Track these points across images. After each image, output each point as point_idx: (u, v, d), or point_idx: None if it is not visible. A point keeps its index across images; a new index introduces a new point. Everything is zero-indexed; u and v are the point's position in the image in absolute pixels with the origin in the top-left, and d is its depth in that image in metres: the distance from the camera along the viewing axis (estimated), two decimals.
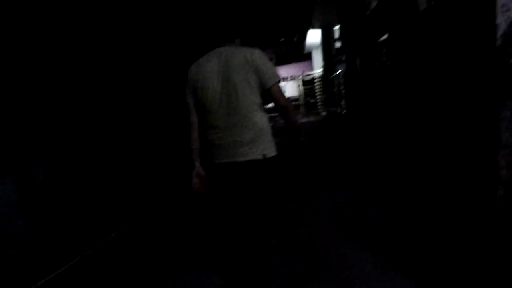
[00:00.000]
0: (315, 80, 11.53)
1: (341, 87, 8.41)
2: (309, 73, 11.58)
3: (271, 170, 1.30)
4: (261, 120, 1.27)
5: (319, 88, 11.23)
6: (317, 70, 11.05)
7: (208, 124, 1.29)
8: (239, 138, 1.23)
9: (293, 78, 34.84)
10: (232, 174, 1.28)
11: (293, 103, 28.83)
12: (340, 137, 5.61)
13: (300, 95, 11.61)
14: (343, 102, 7.12)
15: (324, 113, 10.19)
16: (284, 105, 1.28)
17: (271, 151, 1.29)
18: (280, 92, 1.28)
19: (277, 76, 1.31)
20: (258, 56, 1.24)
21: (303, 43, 13.11)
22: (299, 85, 11.41)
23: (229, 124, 1.24)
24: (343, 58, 6.00)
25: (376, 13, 3.76)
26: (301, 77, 11.11)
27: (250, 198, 1.30)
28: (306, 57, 34.88)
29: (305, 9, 8.04)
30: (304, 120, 10.00)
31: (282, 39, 38.53)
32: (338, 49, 9.36)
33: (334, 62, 9.01)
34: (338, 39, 8.91)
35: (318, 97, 11.36)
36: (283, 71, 35.23)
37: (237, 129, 1.23)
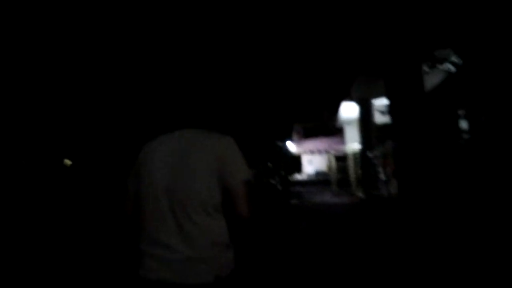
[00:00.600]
0: (349, 157, 10.38)
1: (383, 167, 7.12)
2: (341, 148, 10.52)
3: None
4: (219, 228, 0.97)
5: (354, 166, 9.97)
6: (350, 145, 9.99)
7: (145, 227, 0.98)
8: (186, 251, 0.90)
9: (320, 152, 34.19)
10: None
11: (320, 178, 27.16)
12: (388, 235, 4.13)
13: (331, 172, 10.33)
14: (391, 184, 5.77)
15: (360, 195, 8.70)
16: (242, 216, 0.98)
17: (227, 270, 0.95)
18: (243, 196, 0.98)
19: (245, 173, 1.01)
20: (225, 145, 1.01)
21: (335, 117, 12.53)
22: (330, 161, 10.23)
23: (175, 230, 0.92)
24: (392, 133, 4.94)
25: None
26: (332, 152, 10.02)
27: None
28: (336, 131, 34.57)
29: (344, 82, 7.45)
30: (335, 200, 8.53)
31: (310, 115, 39.28)
32: (380, 125, 8.44)
33: (374, 137, 7.96)
34: (383, 113, 8.04)
35: (352, 175, 10.02)
36: (311, 144, 34.83)
37: (186, 239, 0.91)
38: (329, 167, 31.95)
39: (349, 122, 11.26)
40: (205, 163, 0.96)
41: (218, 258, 0.94)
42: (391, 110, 5.17)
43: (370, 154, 7.64)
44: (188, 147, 1.00)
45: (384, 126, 9.32)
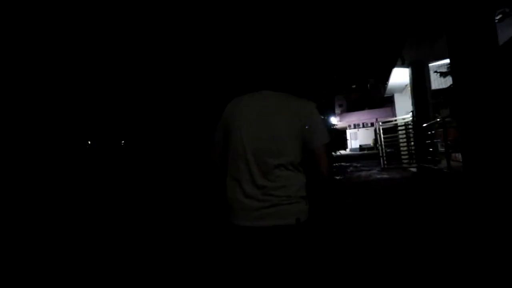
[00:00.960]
0: (399, 128, 9.47)
1: (441, 138, 6.32)
2: (390, 119, 9.63)
3: (306, 238, 1.07)
4: (298, 182, 1.09)
5: (405, 138, 9.09)
6: (402, 116, 9.07)
7: (233, 175, 1.11)
8: (270, 200, 1.04)
9: (366, 125, 32.33)
10: (254, 242, 1.04)
11: (367, 152, 25.81)
12: (446, 213, 3.61)
13: (378, 145, 9.59)
14: (450, 157, 5.07)
15: (413, 169, 7.95)
16: (324, 174, 1.10)
17: (305, 216, 1.08)
18: (325, 158, 1.10)
19: (327, 137, 1.13)
20: (310, 110, 1.12)
21: (382, 86, 11.41)
22: (377, 133, 9.46)
23: (260, 182, 1.05)
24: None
25: None
26: (380, 124, 9.22)
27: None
28: (382, 102, 32.35)
29: (394, 43, 6.57)
30: (384, 175, 7.89)
31: (354, 86, 37.06)
32: (436, 90, 7.44)
33: (430, 105, 7.06)
34: (444, 75, 7.03)
35: (403, 148, 9.18)
36: (355, 117, 33.14)
37: (270, 190, 1.05)
38: (376, 140, 30.35)
39: (400, 89, 10.22)
40: (290, 125, 1.05)
41: (296, 207, 1.05)
42: (455, 70, 4.42)
43: (425, 124, 6.81)
44: (274, 108, 1.08)
45: (441, 92, 8.25)
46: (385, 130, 9.65)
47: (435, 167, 6.03)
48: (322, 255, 2.42)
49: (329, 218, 3.57)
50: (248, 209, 1.04)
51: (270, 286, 1.03)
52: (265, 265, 1.03)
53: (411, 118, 8.28)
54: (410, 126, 8.51)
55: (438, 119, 6.67)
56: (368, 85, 33.69)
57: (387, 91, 10.73)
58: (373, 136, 30.59)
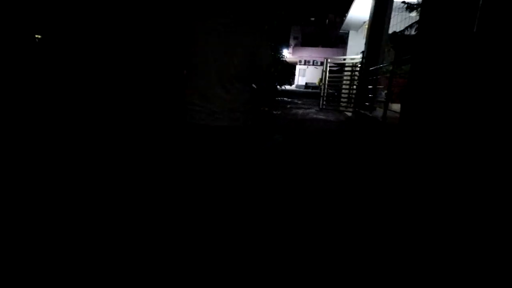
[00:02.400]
0: (346, 69, 8.94)
1: (386, 86, 5.94)
2: (339, 57, 8.94)
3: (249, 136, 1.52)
4: (249, 93, 1.44)
5: (349, 80, 8.66)
6: (352, 56, 8.43)
7: (198, 87, 1.38)
8: (228, 105, 1.37)
9: (316, 63, 31.82)
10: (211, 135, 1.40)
11: (311, 90, 25.76)
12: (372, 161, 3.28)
13: (321, 84, 9.04)
14: (389, 107, 4.69)
15: (349, 113, 7.72)
16: (265, 88, 1.57)
17: (252, 121, 1.50)
18: (267, 74, 1.47)
19: (270, 59, 1.52)
20: (261, 36, 1.40)
21: (340, 23, 10.47)
22: (323, 71, 8.81)
23: (221, 91, 1.35)
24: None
25: None
26: (329, 61, 8.48)
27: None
28: (335, 43, 31.62)
29: None
30: (320, 116, 7.55)
31: (313, 19, 34.97)
32: (393, 36, 6.77)
33: (384, 49, 6.44)
34: (410, 9, 6.27)
35: (345, 90, 8.81)
36: (307, 53, 32.17)
37: (228, 97, 1.36)
38: (322, 80, 30.41)
39: (357, 27, 9.37)
40: (245, 47, 1.32)
41: (247, 112, 1.43)
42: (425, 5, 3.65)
43: (372, 68, 6.29)
44: (232, 32, 1.32)
45: (399, 38, 7.68)
46: (332, 71, 9.05)
47: (370, 115, 5.75)
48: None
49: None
50: (208, 113, 1.35)
51: (218, 164, 1.44)
52: (215, 150, 1.42)
53: (360, 60, 7.71)
54: (357, 68, 8.00)
55: (384, 65, 6.18)
56: (327, 21, 32.14)
57: (343, 27, 9.81)
58: (319, 76, 30.59)
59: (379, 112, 5.99)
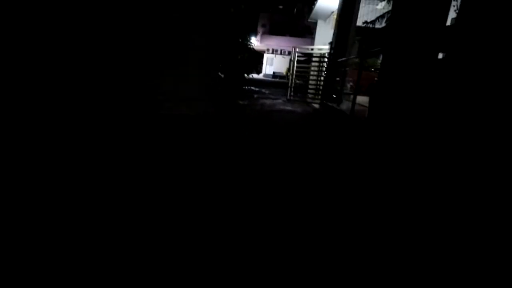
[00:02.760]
0: (313, 59, 8.81)
1: (352, 79, 5.86)
2: (307, 47, 8.77)
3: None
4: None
5: (316, 71, 8.55)
6: (319, 46, 8.31)
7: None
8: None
9: (283, 52, 31.69)
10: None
11: (278, 80, 25.66)
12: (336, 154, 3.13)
13: (289, 75, 8.83)
14: (354, 100, 4.59)
15: (316, 105, 7.62)
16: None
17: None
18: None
19: None
20: None
21: (311, 7, 10.25)
22: (291, 60, 8.60)
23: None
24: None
25: None
26: (296, 50, 8.27)
27: None
28: (302, 33, 31.66)
29: None
30: (287, 107, 7.36)
31: (281, 7, 34.59)
32: (362, 27, 6.70)
33: (352, 40, 6.34)
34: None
35: (312, 81, 8.70)
36: (275, 42, 31.88)
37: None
38: (289, 70, 30.31)
39: (325, 16, 9.23)
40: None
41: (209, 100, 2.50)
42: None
43: (340, 59, 6.18)
44: None
45: (367, 30, 7.65)
46: (300, 61, 8.87)
47: (337, 107, 5.66)
48: None
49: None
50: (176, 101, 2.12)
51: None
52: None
53: (328, 51, 7.58)
54: (324, 59, 7.89)
55: (352, 57, 6.10)
56: (295, 9, 31.96)
57: (312, 16, 9.62)
58: (287, 65, 30.55)
59: (346, 104, 5.92)
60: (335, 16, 8.52)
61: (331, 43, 6.79)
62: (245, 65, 14.29)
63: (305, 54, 8.87)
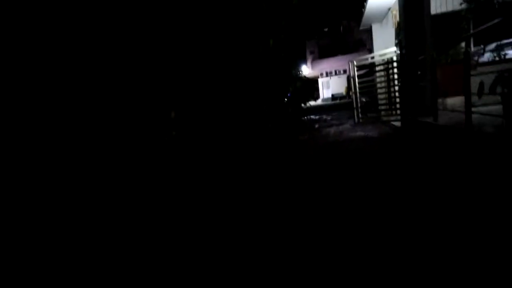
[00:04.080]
0: (377, 69, 7.20)
1: (442, 80, 4.18)
2: (366, 56, 7.25)
3: None
4: None
5: (384, 81, 6.88)
6: (382, 51, 6.72)
7: None
8: None
9: (338, 72, 30.03)
10: None
11: (339, 101, 23.93)
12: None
13: (352, 93, 7.33)
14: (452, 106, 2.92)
15: (396, 123, 5.87)
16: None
17: None
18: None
19: None
20: None
21: (356, 25, 8.93)
22: (350, 76, 7.14)
23: None
24: None
25: None
26: (354, 64, 6.82)
27: None
28: (355, 48, 29.74)
29: None
30: (358, 133, 5.81)
31: (326, 29, 33.68)
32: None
33: (428, 34, 4.70)
34: None
35: (381, 96, 7.02)
36: (327, 64, 30.55)
37: None
38: (349, 88, 28.28)
39: (380, 17, 7.70)
40: None
41: None
42: None
43: (422, 58, 4.55)
44: None
45: (442, 18, 5.91)
46: (361, 75, 7.36)
47: (434, 122, 3.95)
48: None
49: None
50: None
51: None
52: None
53: (395, 54, 5.98)
54: (392, 65, 6.25)
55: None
56: (341, 28, 30.55)
57: (363, 22, 8.20)
58: (345, 84, 28.54)
59: (447, 116, 4.16)
60: (394, 12, 6.95)
61: (399, 42, 5.24)
62: (299, 95, 13.26)
63: (365, 66, 7.35)
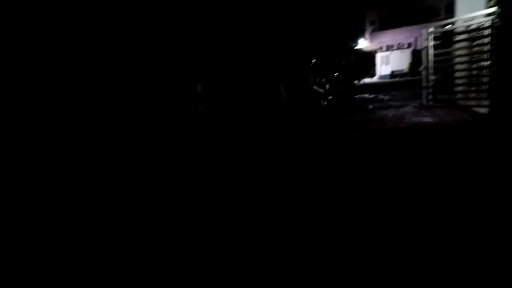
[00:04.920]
0: (458, 39, 5.68)
1: None
2: (446, 21, 5.72)
3: None
4: None
5: (468, 55, 5.40)
6: (471, 14, 5.13)
7: None
8: None
9: (401, 46, 26.62)
10: None
11: (399, 79, 21.48)
12: None
13: (423, 68, 5.93)
14: None
15: (482, 110, 4.53)
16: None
17: None
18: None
19: None
20: None
21: None
22: (425, 48, 5.75)
23: None
24: None
25: None
26: (431, 31, 5.40)
27: None
28: (424, 17, 25.78)
29: None
30: (425, 119, 4.67)
31: None
32: None
33: None
34: None
35: (460, 72, 5.57)
36: (388, 37, 27.23)
37: None
38: (414, 64, 25.00)
39: None
40: None
41: None
42: None
43: None
44: None
45: None
46: (436, 46, 5.91)
47: None
48: None
49: None
50: None
51: None
52: None
53: (487, 20, 4.53)
54: (484, 33, 4.78)
55: None
56: None
57: None
58: (409, 60, 25.17)
59: None
60: None
61: (500, 1, 3.83)
62: (353, 71, 11.77)
63: (444, 35, 5.87)
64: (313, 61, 6.73)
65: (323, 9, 6.19)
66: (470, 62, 5.28)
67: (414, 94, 9.76)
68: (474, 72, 5.20)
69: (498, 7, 3.88)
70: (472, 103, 4.93)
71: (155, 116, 2.42)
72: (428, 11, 24.13)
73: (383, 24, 28.36)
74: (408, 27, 26.08)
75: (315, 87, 6.08)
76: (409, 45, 26.00)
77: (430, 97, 5.60)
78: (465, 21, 5.30)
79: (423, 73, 5.64)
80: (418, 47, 24.99)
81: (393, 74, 26.07)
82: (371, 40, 27.44)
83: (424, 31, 5.39)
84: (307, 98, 5.78)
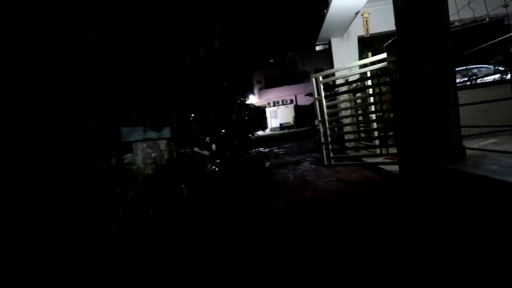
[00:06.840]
0: (345, 90, 5.29)
1: None
2: (340, 68, 5.26)
3: None
4: None
5: (364, 105, 4.95)
6: (370, 59, 4.69)
7: None
8: None
9: (285, 102, 29.24)
10: None
11: (287, 131, 22.41)
12: None
13: (318, 121, 5.12)
14: None
15: (388, 167, 3.75)
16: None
17: None
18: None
19: None
20: None
21: (302, 57, 7.27)
22: (316, 99, 5.03)
23: None
24: None
25: None
26: (320, 79, 4.74)
27: None
28: (299, 79, 29.50)
29: None
30: (331, 185, 3.61)
31: (272, 60, 33.34)
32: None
33: (448, 35, 2.79)
34: None
35: (354, 126, 5.04)
36: (274, 94, 29.62)
37: None
38: (297, 117, 27.31)
39: (342, 30, 5.97)
40: None
41: None
42: None
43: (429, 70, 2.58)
44: None
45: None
46: (327, 96, 5.38)
47: (453, 168, 1.89)
48: None
49: None
50: None
51: None
52: None
53: (379, 66, 4.10)
54: (378, 80, 4.35)
55: None
56: (286, 59, 30.31)
57: (320, 37, 6.44)
58: (292, 113, 27.74)
59: (474, 161, 2.11)
60: (365, 15, 5.26)
61: (391, 46, 3.30)
62: (246, 125, 11.01)
63: (333, 85, 5.41)
64: (191, 115, 5.20)
65: (204, 60, 4.88)
66: (369, 113, 4.77)
67: (305, 146, 9.46)
68: (374, 124, 4.68)
69: (392, 46, 3.30)
70: (377, 160, 4.21)
71: None
72: (302, 74, 27.89)
73: (268, 83, 31.09)
74: (289, 86, 29.30)
75: (196, 149, 4.43)
76: (291, 101, 28.92)
77: (331, 154, 4.74)
78: (355, 68, 4.91)
79: (320, 127, 4.83)
80: (299, 103, 28.00)
81: (282, 126, 28.00)
82: (260, 96, 29.34)
83: (313, 81, 4.68)
84: (186, 165, 4.05)
